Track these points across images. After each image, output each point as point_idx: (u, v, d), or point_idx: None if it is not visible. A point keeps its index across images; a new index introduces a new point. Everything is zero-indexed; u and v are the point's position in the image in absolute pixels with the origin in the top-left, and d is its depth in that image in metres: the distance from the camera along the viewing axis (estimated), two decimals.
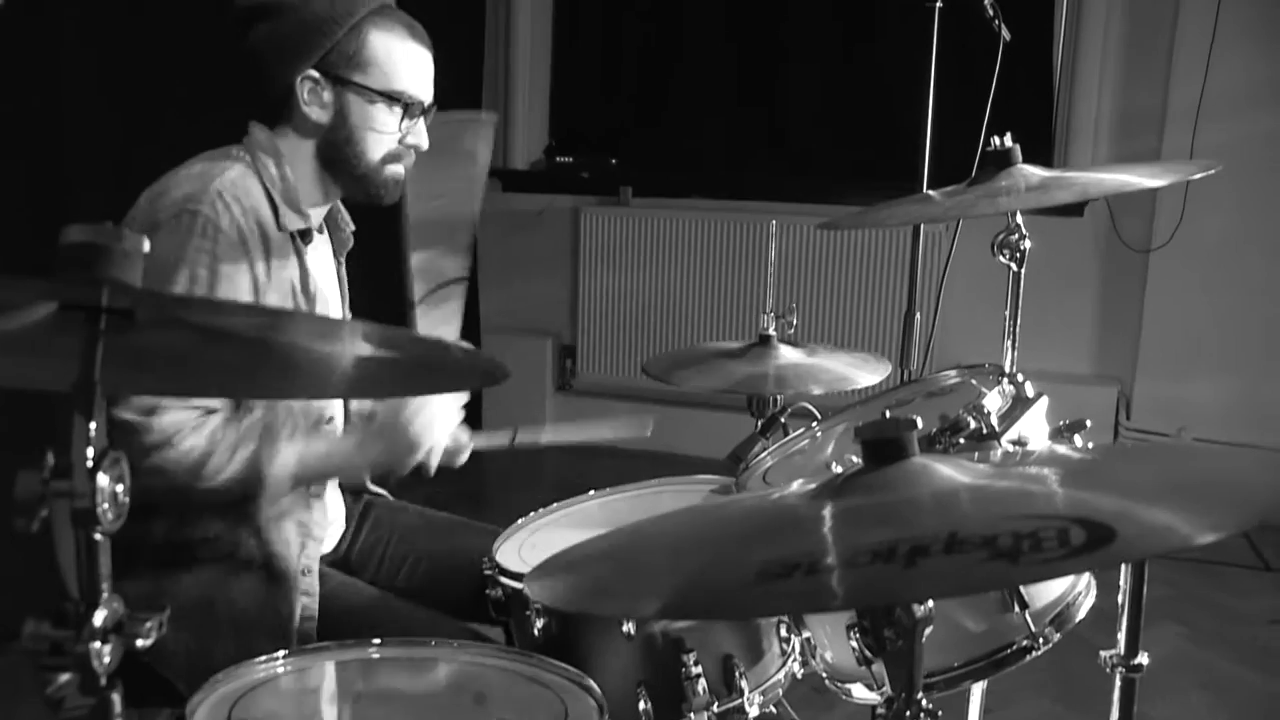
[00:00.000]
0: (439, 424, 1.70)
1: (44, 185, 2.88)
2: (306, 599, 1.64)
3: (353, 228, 1.87)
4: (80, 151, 2.95)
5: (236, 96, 1.71)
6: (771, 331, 1.95)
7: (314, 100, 1.66)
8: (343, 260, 1.88)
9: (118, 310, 0.78)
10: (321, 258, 1.79)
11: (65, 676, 0.77)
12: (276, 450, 1.57)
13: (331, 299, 1.79)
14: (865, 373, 1.89)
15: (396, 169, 1.72)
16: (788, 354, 1.95)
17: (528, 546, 1.69)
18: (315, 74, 1.65)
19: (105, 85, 2.98)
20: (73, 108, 2.94)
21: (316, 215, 1.74)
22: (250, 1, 1.67)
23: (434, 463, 1.73)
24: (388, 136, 1.69)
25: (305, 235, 1.69)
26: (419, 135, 1.72)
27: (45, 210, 2.83)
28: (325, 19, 1.64)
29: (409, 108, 1.69)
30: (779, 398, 1.91)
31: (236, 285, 1.58)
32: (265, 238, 1.62)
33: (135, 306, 0.79)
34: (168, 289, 1.51)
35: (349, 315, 1.88)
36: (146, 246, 0.80)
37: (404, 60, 1.68)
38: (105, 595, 0.78)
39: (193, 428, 1.53)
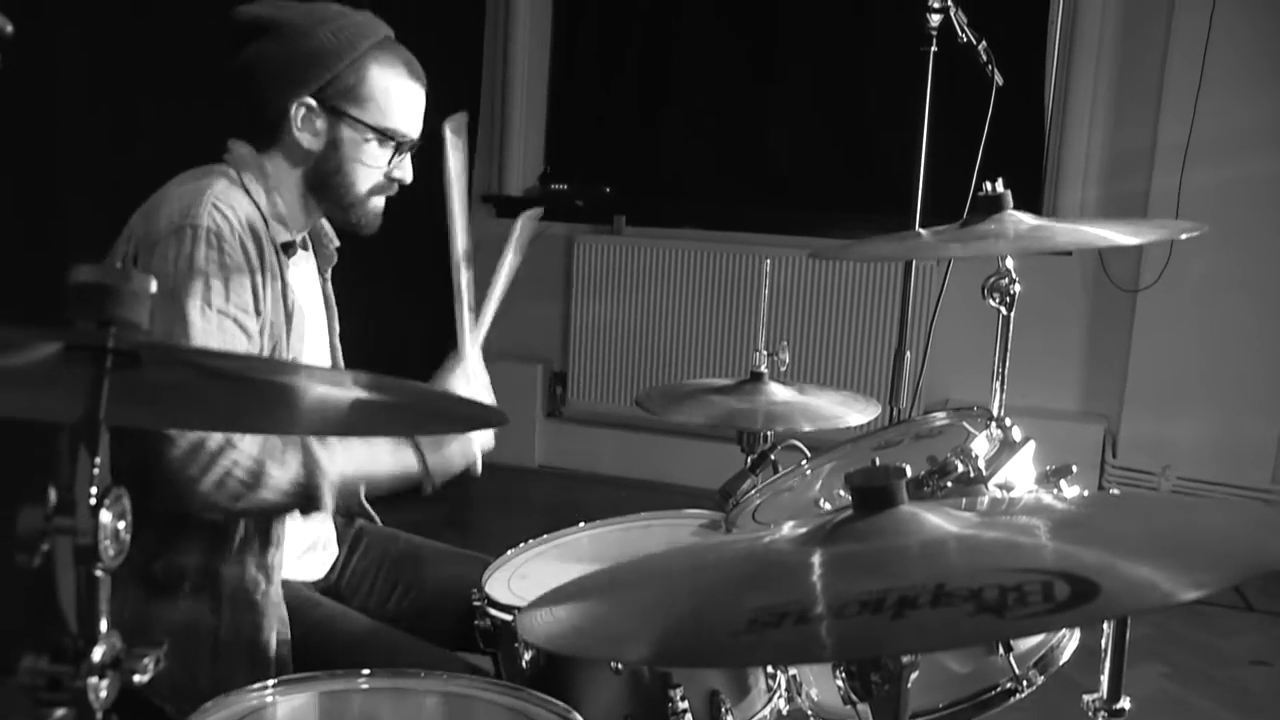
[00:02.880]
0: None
1: (35, 195, 2.88)
2: (280, 625, 1.64)
3: (337, 244, 1.87)
4: (72, 161, 2.95)
5: (224, 111, 1.70)
6: (763, 369, 1.97)
7: (307, 128, 1.66)
8: (328, 277, 1.89)
9: (124, 351, 0.80)
10: (304, 274, 1.80)
11: (61, 711, 0.77)
12: (320, 454, 1.56)
13: (312, 315, 1.79)
14: (855, 412, 1.90)
15: (379, 201, 1.74)
16: (779, 391, 1.96)
17: (517, 578, 1.69)
18: (312, 102, 1.65)
19: (100, 93, 2.98)
20: (66, 117, 2.94)
21: (300, 231, 1.75)
22: (249, 16, 1.66)
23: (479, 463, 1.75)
24: (376, 170, 1.70)
25: (288, 249, 1.69)
26: (404, 170, 1.73)
27: (36, 221, 2.84)
28: (329, 49, 1.64)
29: (400, 145, 1.70)
30: (769, 434, 1.93)
31: (246, 290, 1.58)
32: (259, 247, 1.62)
33: (141, 349, 0.80)
34: (184, 301, 1.52)
35: (337, 333, 1.89)
36: (154, 287, 0.81)
37: (400, 98, 1.69)
38: (104, 631, 0.78)
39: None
